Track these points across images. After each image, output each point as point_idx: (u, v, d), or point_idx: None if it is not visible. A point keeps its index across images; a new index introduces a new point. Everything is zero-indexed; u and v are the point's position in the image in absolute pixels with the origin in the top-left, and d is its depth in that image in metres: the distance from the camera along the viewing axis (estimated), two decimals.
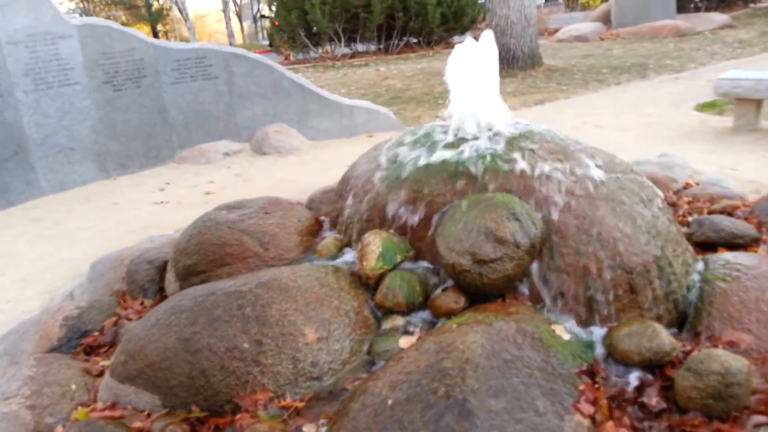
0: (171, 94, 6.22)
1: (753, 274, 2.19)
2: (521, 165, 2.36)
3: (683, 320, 2.21)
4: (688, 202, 3.80)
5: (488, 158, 2.40)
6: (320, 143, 6.76)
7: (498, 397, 1.63)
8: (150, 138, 6.18)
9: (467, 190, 2.34)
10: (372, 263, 2.28)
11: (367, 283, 2.30)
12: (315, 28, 17.30)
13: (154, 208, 4.95)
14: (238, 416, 1.82)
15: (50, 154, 5.54)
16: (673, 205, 3.77)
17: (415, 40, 17.92)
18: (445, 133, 2.63)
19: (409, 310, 2.21)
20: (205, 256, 2.49)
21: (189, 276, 2.52)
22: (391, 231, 2.43)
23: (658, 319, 2.19)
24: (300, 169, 5.76)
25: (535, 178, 2.33)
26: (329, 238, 2.61)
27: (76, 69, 5.61)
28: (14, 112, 5.25)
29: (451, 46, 17.35)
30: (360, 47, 18.11)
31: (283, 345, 1.95)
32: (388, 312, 2.22)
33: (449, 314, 2.16)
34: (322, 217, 2.92)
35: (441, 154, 2.47)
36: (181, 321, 1.97)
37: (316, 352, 1.98)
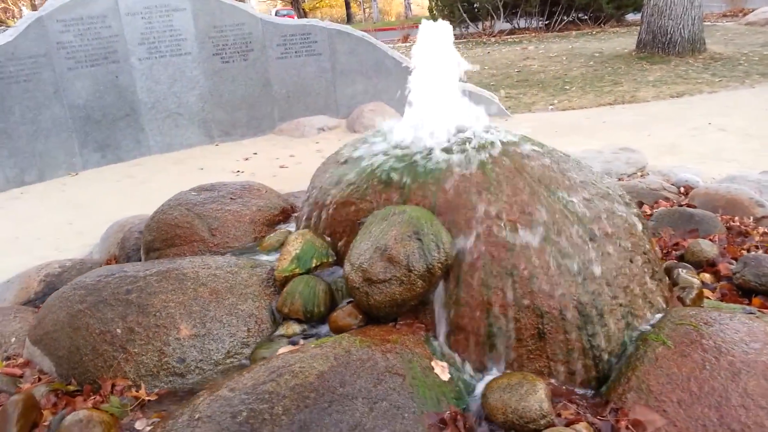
0: (275, 68, 6.48)
1: (720, 345, 1.75)
2: (451, 180, 2.10)
3: (605, 381, 1.85)
4: (764, 234, 3.15)
5: (420, 168, 2.17)
6: None
7: None
8: (253, 109, 6.52)
9: (392, 199, 2.15)
10: (284, 264, 2.21)
11: (276, 285, 2.24)
12: (476, 3, 16.86)
13: (229, 176, 5.24)
14: (92, 398, 1.90)
15: (159, 118, 6.09)
16: (743, 235, 3.16)
17: (584, 17, 16.68)
18: (399, 135, 2.44)
19: (307, 319, 2.11)
20: (160, 234, 2.59)
21: (149, 251, 2.65)
22: (326, 233, 2.32)
23: (571, 375, 1.86)
24: None
25: (463, 195, 2.06)
26: (278, 232, 2.57)
27: (188, 40, 6.07)
28: (129, 77, 5.84)
29: (622, 24, 15.89)
30: (522, 23, 17.32)
31: (153, 336, 1.98)
32: (287, 318, 2.14)
33: (346, 330, 2.03)
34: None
35: (376, 159, 2.29)
36: (75, 297, 2.08)
37: (186, 348, 1.98)
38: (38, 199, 5.03)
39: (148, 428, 1.77)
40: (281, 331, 2.12)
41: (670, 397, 1.65)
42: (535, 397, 1.65)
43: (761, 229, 3.18)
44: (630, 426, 1.64)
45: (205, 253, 2.54)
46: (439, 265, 1.91)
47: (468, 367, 1.90)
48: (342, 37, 6.52)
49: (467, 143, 2.27)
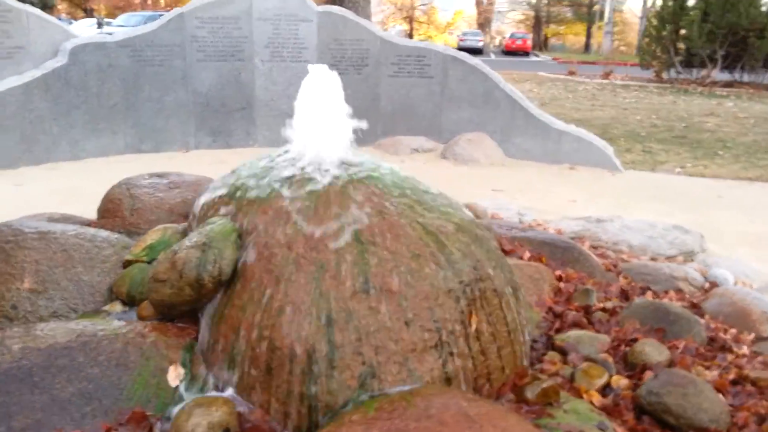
0: (386, 85, 6.69)
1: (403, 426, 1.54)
2: (277, 204, 2.09)
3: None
4: (746, 356, 2.59)
5: (253, 190, 2.19)
6: (513, 162, 6.36)
7: None
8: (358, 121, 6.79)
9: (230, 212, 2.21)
10: (136, 250, 2.39)
11: None
12: (692, 49, 15.36)
13: None
14: None
15: (271, 115, 6.67)
16: (725, 350, 2.62)
17: None
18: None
19: (130, 302, 2.27)
20: (102, 204, 2.94)
21: (98, 217, 3.03)
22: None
23: (286, 416, 1.77)
24: (451, 181, 5.61)
25: (275, 221, 2.05)
26: (166, 225, 2.75)
27: (309, 49, 6.56)
28: (250, 75, 6.49)
29: None
30: (747, 77, 15.34)
31: (3, 281, 2.28)
32: (117, 298, 2.33)
33: (146, 320, 2.16)
34: None
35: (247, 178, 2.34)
36: None
37: (22, 298, 2.26)
38: (146, 165, 5.86)
39: None
40: (106, 307, 2.31)
41: None
42: (211, 422, 1.63)
43: (746, 350, 2.60)
44: None
45: (122, 229, 2.83)
46: (210, 278, 1.94)
47: (211, 383, 1.91)
48: (456, 63, 6.51)
49: (320, 173, 2.24)
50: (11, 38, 5.50)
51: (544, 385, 2.06)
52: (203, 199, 2.40)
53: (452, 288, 1.95)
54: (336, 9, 6.62)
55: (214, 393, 1.84)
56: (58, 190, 4.99)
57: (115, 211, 2.86)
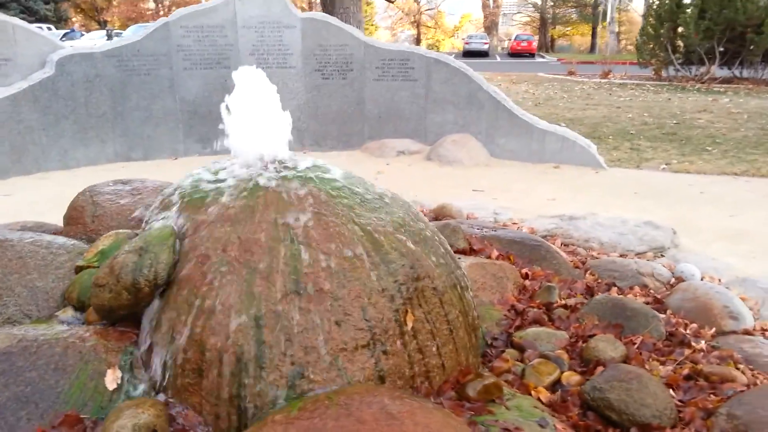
0: (371, 89, 6.73)
1: (315, 425, 1.56)
2: (214, 207, 2.12)
3: None
4: (702, 351, 2.59)
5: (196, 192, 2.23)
6: (498, 162, 6.37)
7: None
8: (345, 125, 6.84)
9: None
10: (88, 256, 2.43)
11: None
12: (690, 46, 15.28)
13: None
14: None
15: None
16: (683, 345, 2.62)
17: None
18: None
19: (81, 307, 2.31)
20: (68, 212, 2.99)
21: (65, 225, 3.07)
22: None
23: (217, 417, 1.80)
24: (434, 182, 5.63)
25: (216, 223, 2.08)
26: (119, 231, 2.78)
27: (294, 55, 6.61)
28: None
29: None
30: (746, 72, 15.23)
31: None
32: (69, 304, 2.36)
33: (93, 325, 2.20)
34: None
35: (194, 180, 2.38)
36: None
37: None
38: (134, 173, 5.92)
39: None
40: (58, 313, 2.35)
41: None
42: (137, 425, 1.66)
43: (703, 345, 2.59)
44: None
45: (84, 236, 2.87)
46: (146, 282, 1.97)
47: (147, 386, 1.94)
48: (439, 66, 6.53)
49: (258, 175, 2.26)
50: None
51: (486, 382, 2.07)
52: (154, 204, 2.44)
53: (386, 287, 1.97)
54: (319, 15, 6.67)
55: (148, 396, 1.88)
56: (46, 199, 5.06)
57: (77, 218, 2.91)
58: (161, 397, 1.89)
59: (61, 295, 2.39)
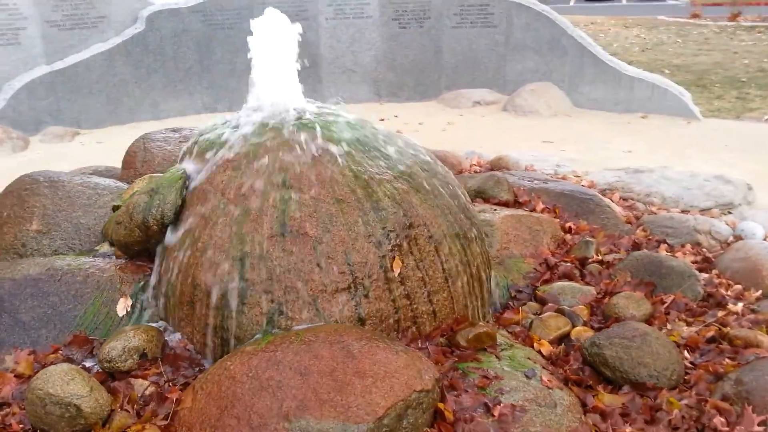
0: (448, 37, 6.55)
1: (278, 358, 1.64)
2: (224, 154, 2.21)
3: None
4: (744, 312, 2.40)
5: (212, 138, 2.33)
6: (580, 112, 6.02)
7: None
8: (422, 75, 6.74)
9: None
10: (125, 196, 2.64)
11: None
12: None
13: None
14: None
15: (336, 72, 6.79)
16: (720, 306, 2.45)
17: None
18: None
19: (112, 243, 2.53)
20: (124, 157, 3.24)
21: (122, 169, 3.34)
22: None
23: (204, 345, 1.93)
24: (504, 133, 5.45)
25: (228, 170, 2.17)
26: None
27: (371, 5, 6.55)
28: (315, 34, 6.63)
29: None
30: None
31: (15, 223, 2.63)
32: (105, 239, 2.59)
33: (119, 258, 2.41)
34: None
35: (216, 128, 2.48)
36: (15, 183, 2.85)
37: (29, 238, 2.58)
38: None
39: None
40: (97, 247, 2.59)
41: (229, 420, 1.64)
42: (127, 347, 1.84)
43: (740, 308, 2.40)
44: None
45: (134, 179, 3.11)
46: (154, 221, 2.12)
47: (153, 314, 2.11)
48: (521, 10, 6.22)
49: (271, 120, 2.33)
50: (95, 8, 6.03)
51: (478, 331, 2.06)
52: (182, 150, 2.58)
53: (372, 233, 1.99)
54: None
55: (152, 324, 2.05)
56: None
57: (131, 162, 3.15)
58: (162, 324, 2.06)
59: (101, 231, 2.61)
